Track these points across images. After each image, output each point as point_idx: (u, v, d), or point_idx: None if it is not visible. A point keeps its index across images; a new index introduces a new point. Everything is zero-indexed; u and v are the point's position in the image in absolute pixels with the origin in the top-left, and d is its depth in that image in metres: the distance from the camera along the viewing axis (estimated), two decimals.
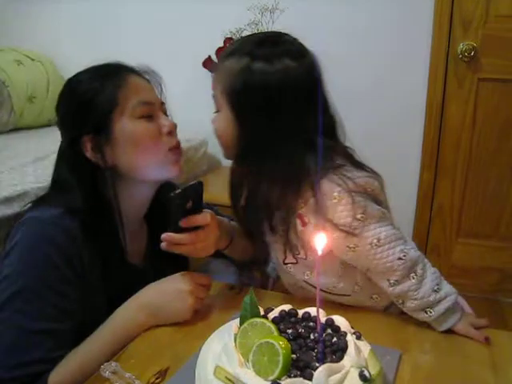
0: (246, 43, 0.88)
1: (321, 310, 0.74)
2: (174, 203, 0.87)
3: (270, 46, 0.86)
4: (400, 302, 0.90)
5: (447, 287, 0.89)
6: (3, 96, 2.34)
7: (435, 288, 0.87)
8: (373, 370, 0.66)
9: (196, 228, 0.91)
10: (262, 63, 0.84)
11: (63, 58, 2.59)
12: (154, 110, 0.95)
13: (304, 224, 0.89)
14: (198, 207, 0.92)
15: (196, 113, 2.37)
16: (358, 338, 0.72)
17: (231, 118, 0.87)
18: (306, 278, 0.95)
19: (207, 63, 2.14)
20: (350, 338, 0.68)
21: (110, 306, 0.89)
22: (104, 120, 0.90)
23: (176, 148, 0.97)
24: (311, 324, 0.72)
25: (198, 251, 0.93)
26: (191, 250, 0.92)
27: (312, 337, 0.69)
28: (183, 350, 0.80)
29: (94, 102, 0.90)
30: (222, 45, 2.09)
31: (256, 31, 2.06)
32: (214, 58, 2.12)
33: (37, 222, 0.86)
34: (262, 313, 0.72)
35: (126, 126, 0.91)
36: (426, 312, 0.87)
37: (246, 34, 2.09)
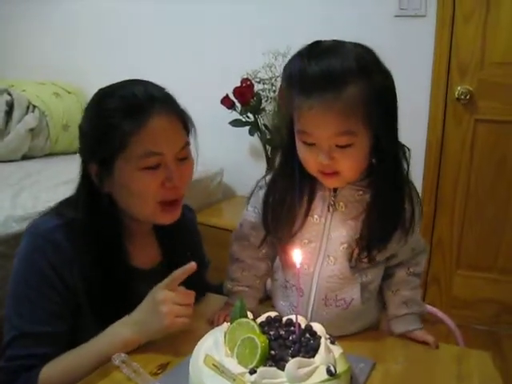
0: (340, 67, 0.82)
1: (302, 318, 0.86)
2: None
3: (363, 59, 0.85)
4: (395, 289, 1.04)
5: None
6: (42, 125, 2.61)
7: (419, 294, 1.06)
8: (340, 368, 0.76)
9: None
10: (377, 76, 0.85)
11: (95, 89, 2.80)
12: (162, 160, 0.91)
13: None
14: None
15: (212, 144, 2.53)
16: (332, 342, 0.83)
17: (368, 139, 0.88)
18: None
19: (225, 101, 2.30)
20: (323, 341, 0.79)
21: (113, 308, 0.94)
22: (109, 158, 0.90)
23: (168, 202, 0.94)
24: (292, 328, 0.83)
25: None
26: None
27: (291, 338, 0.81)
28: (183, 350, 0.90)
29: (106, 137, 0.90)
30: (239, 84, 2.25)
31: (270, 73, 2.22)
32: (231, 96, 2.28)
33: (33, 234, 0.93)
34: (251, 317, 0.84)
35: (126, 173, 0.90)
36: (407, 305, 1.03)
37: (261, 75, 2.25)
